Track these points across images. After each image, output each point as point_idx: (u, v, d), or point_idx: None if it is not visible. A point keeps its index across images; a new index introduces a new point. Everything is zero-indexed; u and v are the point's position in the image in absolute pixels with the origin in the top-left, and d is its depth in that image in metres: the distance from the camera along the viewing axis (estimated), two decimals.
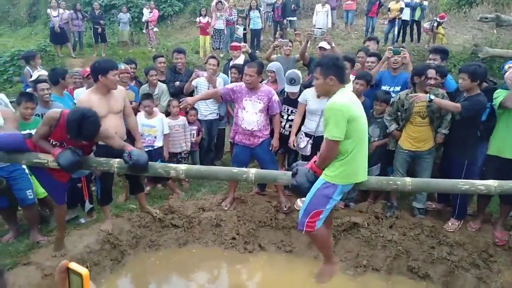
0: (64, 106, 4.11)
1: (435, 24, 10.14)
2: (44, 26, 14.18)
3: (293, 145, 4.31)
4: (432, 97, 3.72)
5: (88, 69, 4.71)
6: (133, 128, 3.99)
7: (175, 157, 5.02)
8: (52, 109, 3.26)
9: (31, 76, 5.21)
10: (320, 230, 2.82)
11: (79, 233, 3.89)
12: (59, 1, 10.83)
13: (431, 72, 3.86)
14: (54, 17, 10.44)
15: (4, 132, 3.39)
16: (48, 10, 10.68)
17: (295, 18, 11.35)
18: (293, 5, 11.10)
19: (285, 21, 11.12)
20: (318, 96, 3.91)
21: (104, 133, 3.16)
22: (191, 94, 5.20)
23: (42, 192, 3.85)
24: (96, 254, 3.73)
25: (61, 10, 10.65)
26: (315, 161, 2.79)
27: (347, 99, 2.64)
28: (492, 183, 2.84)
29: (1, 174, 3.61)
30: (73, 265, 0.94)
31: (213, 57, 5.30)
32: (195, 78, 5.05)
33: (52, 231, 3.90)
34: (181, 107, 4.26)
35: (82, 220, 4.18)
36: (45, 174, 3.27)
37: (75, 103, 4.28)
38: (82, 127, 2.86)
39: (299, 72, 4.53)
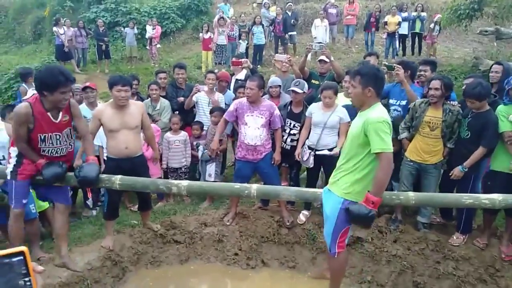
0: None
1: (434, 27, 10.27)
2: (48, 43, 14.40)
3: (299, 157, 4.27)
4: (466, 169, 3.71)
5: (87, 83, 4.87)
6: (150, 140, 4.06)
7: (175, 172, 5.03)
8: (18, 106, 3.15)
9: (26, 93, 5.24)
10: (345, 252, 2.89)
11: (80, 250, 3.85)
12: (65, 19, 11.05)
13: (435, 83, 3.81)
14: (62, 34, 10.63)
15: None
16: (54, 28, 10.88)
17: (294, 33, 11.52)
18: (292, 20, 11.28)
19: (286, 36, 11.26)
20: (333, 105, 3.94)
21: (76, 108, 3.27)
22: (191, 109, 5.24)
23: (41, 205, 3.85)
24: (97, 271, 3.69)
25: (65, 28, 10.84)
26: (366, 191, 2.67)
27: (387, 116, 2.66)
28: (497, 197, 2.81)
29: (3, 188, 3.62)
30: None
31: (211, 72, 5.39)
32: (196, 92, 5.09)
33: (53, 248, 3.87)
34: (209, 154, 4.60)
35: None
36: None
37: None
38: (55, 71, 2.92)
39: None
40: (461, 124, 3.83)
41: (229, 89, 5.66)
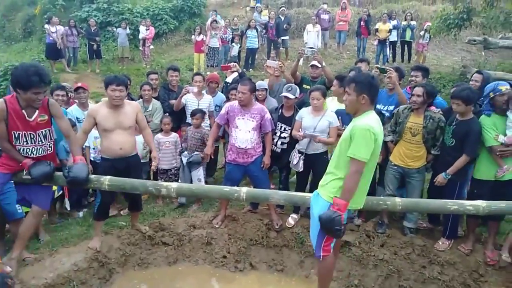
0: None
1: (424, 34, 10.46)
2: (38, 41, 14.25)
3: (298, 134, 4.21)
4: (449, 176, 3.77)
5: (79, 84, 4.84)
6: (148, 140, 3.93)
7: (165, 174, 5.01)
8: None
9: None
10: (332, 256, 2.89)
11: (67, 251, 3.81)
12: (54, 17, 10.94)
13: (417, 90, 3.91)
14: (53, 32, 10.51)
15: None
16: (46, 26, 10.75)
17: (287, 37, 11.59)
18: (285, 24, 11.35)
19: (280, 40, 11.32)
20: (325, 109, 3.92)
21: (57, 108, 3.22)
22: (181, 110, 5.21)
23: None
24: (84, 273, 3.65)
25: (57, 27, 10.74)
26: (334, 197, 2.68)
27: (377, 125, 2.67)
28: (481, 204, 2.88)
29: None
30: None
31: (198, 74, 5.46)
32: (185, 93, 5.08)
33: (39, 248, 3.83)
34: (202, 156, 4.61)
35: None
36: None
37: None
38: (30, 72, 2.88)
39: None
40: (445, 131, 3.90)
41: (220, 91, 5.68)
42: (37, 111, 3.08)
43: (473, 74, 4.68)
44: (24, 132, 3.06)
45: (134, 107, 3.77)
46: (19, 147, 3.11)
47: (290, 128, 4.41)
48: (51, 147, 3.30)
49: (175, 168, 5.04)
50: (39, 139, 3.17)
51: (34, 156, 3.18)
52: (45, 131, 3.19)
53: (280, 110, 4.55)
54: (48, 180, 3.21)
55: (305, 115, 4.24)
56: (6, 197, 3.62)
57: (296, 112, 4.41)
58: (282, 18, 11.43)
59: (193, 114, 4.95)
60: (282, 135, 4.47)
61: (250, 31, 11.05)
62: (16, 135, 3.05)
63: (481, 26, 11.16)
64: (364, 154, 2.57)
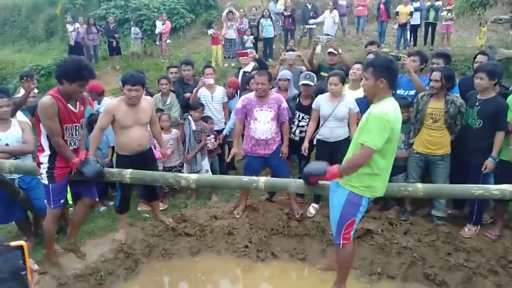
0: None
1: (448, 14, 10.02)
2: (60, 41, 14.60)
3: (305, 151, 4.29)
4: (497, 159, 3.64)
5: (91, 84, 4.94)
6: (157, 136, 4.04)
7: (170, 171, 4.95)
8: (41, 100, 3.02)
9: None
10: (351, 244, 2.88)
11: (94, 243, 3.94)
12: (75, 17, 11.18)
13: (435, 75, 3.81)
14: (71, 32, 10.75)
15: (24, 142, 3.66)
16: (68, 25, 10.99)
17: (314, 26, 11.15)
18: (311, 12, 11.04)
19: (306, 28, 11.03)
20: (351, 95, 3.91)
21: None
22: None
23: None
24: (111, 263, 3.78)
25: (77, 25, 10.96)
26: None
27: (394, 112, 2.62)
28: (507, 188, 2.79)
29: (20, 184, 3.72)
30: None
31: (208, 66, 5.43)
32: (201, 86, 5.06)
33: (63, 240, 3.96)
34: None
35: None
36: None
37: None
38: (81, 65, 2.96)
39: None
40: (463, 116, 3.79)
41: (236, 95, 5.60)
42: (77, 102, 3.15)
43: (477, 55, 4.50)
44: (71, 124, 3.11)
45: (150, 103, 3.81)
46: (69, 140, 3.15)
47: (308, 117, 4.37)
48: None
49: (180, 165, 4.96)
50: (79, 130, 3.23)
51: (76, 146, 3.24)
52: (82, 121, 3.26)
53: (297, 99, 4.51)
54: (100, 177, 3.28)
55: (322, 103, 4.18)
56: (34, 193, 3.76)
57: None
58: (309, 7, 11.11)
59: (193, 107, 4.83)
60: (300, 123, 4.44)
61: (265, 20, 10.86)
62: (66, 128, 3.10)
63: (507, 3, 10.64)
64: (376, 142, 2.51)
